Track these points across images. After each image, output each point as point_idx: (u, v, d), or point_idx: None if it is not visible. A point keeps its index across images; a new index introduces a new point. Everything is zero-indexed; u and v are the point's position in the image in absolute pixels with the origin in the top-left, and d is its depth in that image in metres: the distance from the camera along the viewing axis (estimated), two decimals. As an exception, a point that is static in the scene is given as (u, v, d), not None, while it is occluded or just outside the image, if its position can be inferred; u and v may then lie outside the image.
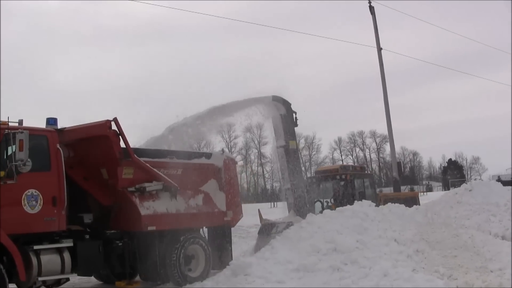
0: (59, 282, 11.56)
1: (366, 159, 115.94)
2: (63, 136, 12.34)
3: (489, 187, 16.08)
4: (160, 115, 15.78)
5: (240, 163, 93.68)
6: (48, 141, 11.46)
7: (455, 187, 16.53)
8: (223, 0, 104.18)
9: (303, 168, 30.85)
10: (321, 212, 19.59)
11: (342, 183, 22.51)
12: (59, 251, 11.26)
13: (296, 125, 18.81)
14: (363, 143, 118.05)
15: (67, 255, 11.30)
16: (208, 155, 14.75)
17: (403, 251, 12.45)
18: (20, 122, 11.28)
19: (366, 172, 27.04)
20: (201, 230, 14.55)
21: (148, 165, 12.81)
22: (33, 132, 11.03)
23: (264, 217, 18.51)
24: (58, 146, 11.55)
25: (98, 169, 12.71)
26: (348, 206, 14.63)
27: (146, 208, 12.68)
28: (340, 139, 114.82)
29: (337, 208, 15.06)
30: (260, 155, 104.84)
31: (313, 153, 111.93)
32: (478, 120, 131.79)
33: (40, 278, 10.88)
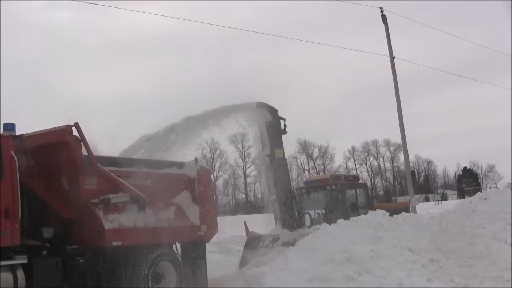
0: (10, 303, 10.45)
1: (380, 168, 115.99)
2: (21, 143, 11.39)
3: (505, 196, 15.65)
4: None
5: (254, 173, 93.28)
6: (1, 147, 10.44)
7: (470, 195, 15.99)
8: (236, 12, 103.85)
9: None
10: (309, 227, 18.84)
11: (334, 193, 21.45)
12: (12, 268, 10.18)
13: (285, 133, 18.26)
14: (377, 152, 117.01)
15: (20, 273, 10.22)
16: (181, 165, 13.78)
17: (418, 260, 12.36)
18: None
19: (359, 181, 25.94)
20: (173, 245, 13.56)
21: (114, 174, 11.80)
22: (-17, 137, 10.06)
23: (250, 229, 17.79)
24: (12, 153, 10.53)
25: (59, 179, 11.68)
26: (362, 216, 14.37)
27: (110, 221, 11.66)
28: (354, 148, 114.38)
29: (351, 218, 14.46)
30: None
31: (327, 162, 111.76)
32: (493, 127, 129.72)
33: (-13, 299, 9.81)
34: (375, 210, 19.39)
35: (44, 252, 11.07)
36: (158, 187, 12.75)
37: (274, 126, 17.74)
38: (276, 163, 17.75)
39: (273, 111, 17.64)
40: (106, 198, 11.70)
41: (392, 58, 29.47)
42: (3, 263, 10.08)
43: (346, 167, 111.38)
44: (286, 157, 18.94)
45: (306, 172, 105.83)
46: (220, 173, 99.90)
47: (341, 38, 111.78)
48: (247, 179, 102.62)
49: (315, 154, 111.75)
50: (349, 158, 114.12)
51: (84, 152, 11.38)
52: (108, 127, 14.25)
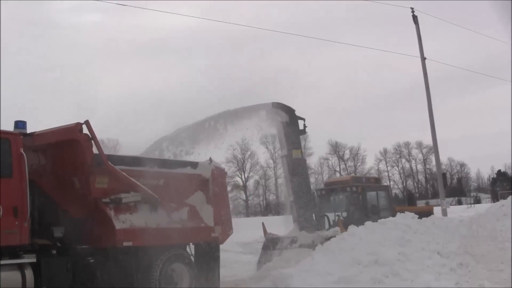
0: (19, 302, 10.28)
1: (412, 170, 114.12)
2: (32, 141, 11.25)
3: (539, 199, 15.25)
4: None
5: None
6: (11, 145, 10.30)
7: (504, 199, 15.57)
8: (261, 11, 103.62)
9: None
10: (327, 229, 18.51)
11: (354, 195, 21.03)
12: (21, 267, 10.02)
13: (304, 133, 17.99)
14: (409, 154, 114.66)
15: (29, 272, 10.04)
16: (194, 165, 13.52)
17: (446, 264, 12.15)
18: None
19: (380, 184, 25.45)
20: (187, 247, 13.33)
21: (125, 173, 11.59)
22: (-8, 135, 9.93)
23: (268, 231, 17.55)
24: (21, 151, 10.38)
25: (69, 177, 11.50)
26: (390, 218, 14.03)
27: (121, 221, 11.46)
28: (385, 150, 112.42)
29: (379, 221, 14.17)
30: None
31: (358, 164, 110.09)
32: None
33: (-5, 298, 9.64)
34: (396, 213, 19.10)
35: (54, 252, 10.90)
36: (171, 187, 12.55)
37: (291, 126, 17.42)
38: (294, 164, 17.43)
39: (290, 111, 17.35)
40: (117, 197, 11.53)
41: (423, 58, 29.07)
42: (11, 261, 9.94)
43: (378, 169, 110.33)
44: (306, 157, 18.69)
45: (337, 174, 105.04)
46: (251, 174, 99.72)
47: (371, 38, 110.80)
48: (278, 180, 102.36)
49: (346, 156, 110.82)
50: (380, 160, 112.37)
51: (95, 150, 11.22)
52: (131, 126, 14.15)
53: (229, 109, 15.75)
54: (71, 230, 11.41)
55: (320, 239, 15.98)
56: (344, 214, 20.67)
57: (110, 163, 11.32)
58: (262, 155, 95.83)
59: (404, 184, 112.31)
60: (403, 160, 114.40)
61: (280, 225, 18.58)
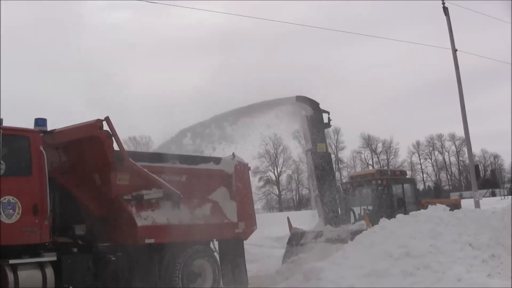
0: (40, 301, 10.22)
1: (445, 163, 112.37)
2: (52, 139, 11.17)
3: None
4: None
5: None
6: (30, 143, 10.23)
7: None
8: (289, 8, 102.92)
9: None
10: (353, 223, 18.19)
11: (380, 188, 20.64)
12: (41, 266, 9.95)
13: (329, 126, 17.78)
14: (442, 146, 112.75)
15: (49, 271, 9.95)
16: (217, 160, 13.34)
17: (478, 256, 11.89)
18: None
19: (406, 176, 24.95)
20: (211, 243, 13.16)
21: (146, 170, 11.45)
22: (11, 132, 9.93)
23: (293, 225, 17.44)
24: (41, 148, 10.29)
25: (91, 175, 11.42)
26: (422, 211, 13.70)
27: (143, 218, 11.34)
28: (418, 143, 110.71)
29: (410, 213, 13.89)
30: (338, 161, 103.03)
31: (391, 157, 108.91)
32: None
33: (16, 297, 9.57)
34: (422, 206, 18.68)
35: (75, 250, 10.81)
36: (194, 183, 12.40)
37: (315, 119, 17.14)
38: (319, 157, 17.16)
39: (314, 104, 17.06)
40: (139, 194, 11.41)
41: (454, 50, 28.49)
42: (32, 260, 9.88)
43: (411, 162, 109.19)
44: (329, 151, 18.40)
45: (370, 167, 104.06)
46: (284, 168, 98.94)
47: (399, 31, 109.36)
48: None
49: (379, 149, 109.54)
50: (413, 153, 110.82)
51: (116, 147, 11.11)
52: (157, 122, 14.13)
53: (253, 103, 15.55)
54: (93, 228, 11.37)
55: (345, 233, 15.74)
56: (370, 207, 20.30)
57: (131, 159, 11.19)
58: (295, 150, 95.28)
59: (438, 177, 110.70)
60: (436, 153, 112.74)
61: (308, 220, 18.33)
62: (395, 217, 13.95)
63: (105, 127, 10.96)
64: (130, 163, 11.15)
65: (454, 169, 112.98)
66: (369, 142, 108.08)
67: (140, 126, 13.55)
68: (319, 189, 16.91)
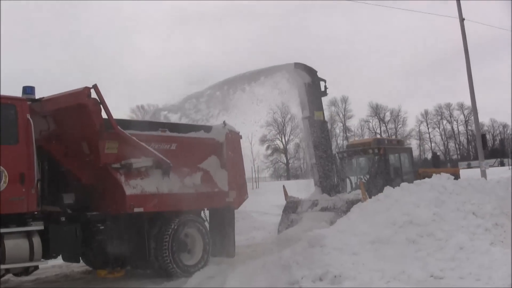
0: (27, 270, 10.18)
1: (453, 132, 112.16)
2: (41, 107, 11.02)
3: None
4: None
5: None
6: (16, 111, 10.08)
7: None
8: None
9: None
10: (349, 192, 18.15)
11: (376, 157, 20.56)
12: (28, 235, 9.89)
13: (325, 94, 17.70)
14: (451, 115, 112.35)
15: (37, 240, 9.91)
16: (208, 129, 13.16)
17: (481, 224, 11.88)
18: None
19: (403, 146, 24.85)
20: (202, 212, 13.11)
21: (135, 138, 11.31)
22: (-4, 100, 9.70)
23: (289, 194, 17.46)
24: (28, 116, 10.14)
25: (79, 143, 11.25)
26: (426, 179, 13.55)
27: (132, 187, 11.22)
28: (426, 112, 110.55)
29: (414, 182, 13.70)
30: (345, 129, 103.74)
31: (399, 126, 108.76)
32: None
33: (3, 266, 9.53)
34: (420, 175, 18.61)
35: (63, 219, 10.73)
36: (184, 152, 12.27)
37: (313, 87, 17.01)
38: (316, 125, 17.05)
39: (312, 72, 16.92)
40: (127, 163, 11.25)
41: (461, 19, 28.18)
42: (19, 229, 9.82)
43: (419, 131, 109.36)
44: (326, 119, 18.29)
45: (378, 136, 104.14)
46: (291, 137, 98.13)
47: (410, 3, 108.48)
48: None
49: (387, 118, 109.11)
50: (421, 122, 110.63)
51: (104, 115, 10.94)
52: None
53: (250, 70, 15.36)
54: (81, 197, 11.27)
55: (341, 203, 15.71)
56: (366, 176, 20.24)
57: (119, 127, 11.04)
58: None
59: (446, 146, 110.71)
60: (445, 122, 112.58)
61: (307, 189, 18.28)
62: (392, 186, 13.93)
63: (94, 95, 10.79)
64: (118, 131, 10.98)
65: (463, 139, 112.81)
66: (377, 111, 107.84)
67: (149, 95, 13.42)
68: (316, 158, 16.83)
